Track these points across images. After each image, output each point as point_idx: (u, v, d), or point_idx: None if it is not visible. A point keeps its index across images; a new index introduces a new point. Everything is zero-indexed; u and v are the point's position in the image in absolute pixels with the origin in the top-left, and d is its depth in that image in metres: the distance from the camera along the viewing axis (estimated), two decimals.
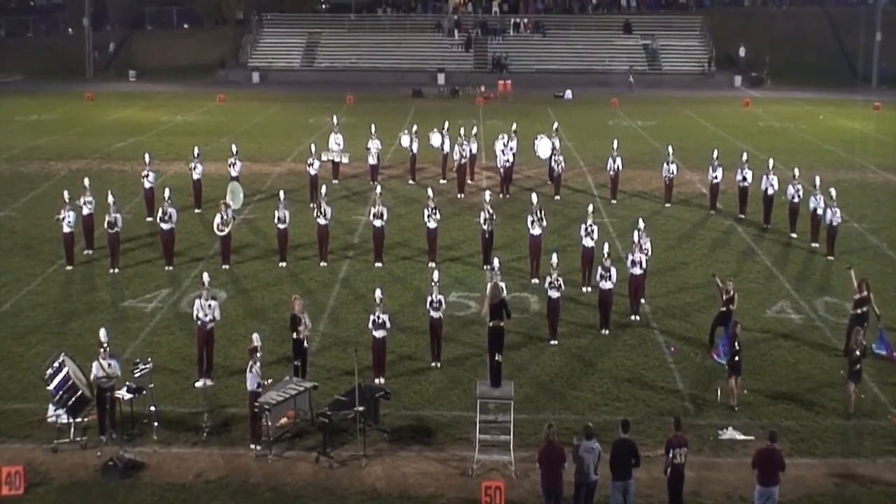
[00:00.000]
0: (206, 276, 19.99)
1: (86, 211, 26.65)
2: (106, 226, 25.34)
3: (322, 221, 25.89)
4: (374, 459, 16.22)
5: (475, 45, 70.11)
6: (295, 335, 18.62)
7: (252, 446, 16.52)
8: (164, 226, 25.76)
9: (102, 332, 17.28)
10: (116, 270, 25.39)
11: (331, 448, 16.29)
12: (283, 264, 25.93)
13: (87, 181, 27.98)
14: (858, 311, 20.42)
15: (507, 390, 17.07)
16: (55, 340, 20.72)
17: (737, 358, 18.12)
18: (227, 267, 25.71)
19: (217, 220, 25.47)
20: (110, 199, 25.78)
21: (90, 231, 26.86)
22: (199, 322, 19.01)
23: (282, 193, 27.04)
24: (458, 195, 33.21)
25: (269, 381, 17.03)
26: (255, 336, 17.42)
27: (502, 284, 18.66)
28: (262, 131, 46.58)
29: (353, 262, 26.43)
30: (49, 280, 24.92)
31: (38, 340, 20.96)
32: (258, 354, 16.95)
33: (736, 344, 18.21)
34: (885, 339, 20.36)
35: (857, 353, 17.94)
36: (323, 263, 25.96)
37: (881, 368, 19.85)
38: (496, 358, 17.48)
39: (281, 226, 25.95)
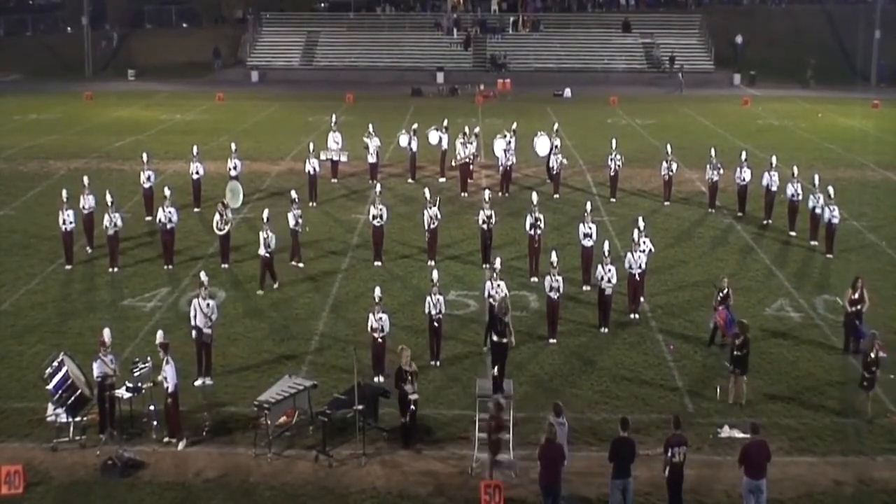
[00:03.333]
0: (203, 276, 20.00)
1: (86, 209, 26.72)
2: (105, 225, 25.33)
3: (262, 252, 23.88)
4: (373, 458, 16.22)
5: (474, 44, 70.09)
6: (399, 390, 16.53)
7: (169, 439, 16.52)
8: (165, 225, 25.73)
9: (107, 332, 17.28)
10: (116, 269, 25.39)
11: (330, 447, 16.29)
12: (301, 264, 25.83)
13: (86, 179, 28.03)
14: (853, 309, 20.42)
15: (507, 389, 17.06)
16: (54, 339, 20.71)
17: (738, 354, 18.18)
18: (226, 266, 25.71)
19: (216, 219, 25.47)
20: (109, 198, 25.78)
21: (90, 229, 26.88)
22: (194, 324, 18.97)
23: (294, 194, 26.95)
24: (462, 194, 33.20)
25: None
26: (160, 332, 17.38)
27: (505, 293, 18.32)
28: (262, 130, 46.58)
29: (353, 261, 26.43)
30: (48, 279, 24.92)
31: (38, 339, 20.96)
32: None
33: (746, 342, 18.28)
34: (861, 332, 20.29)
35: (871, 357, 17.80)
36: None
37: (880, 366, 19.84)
38: (494, 372, 17.34)
39: (292, 226, 25.81)
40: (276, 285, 24.01)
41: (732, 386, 18.26)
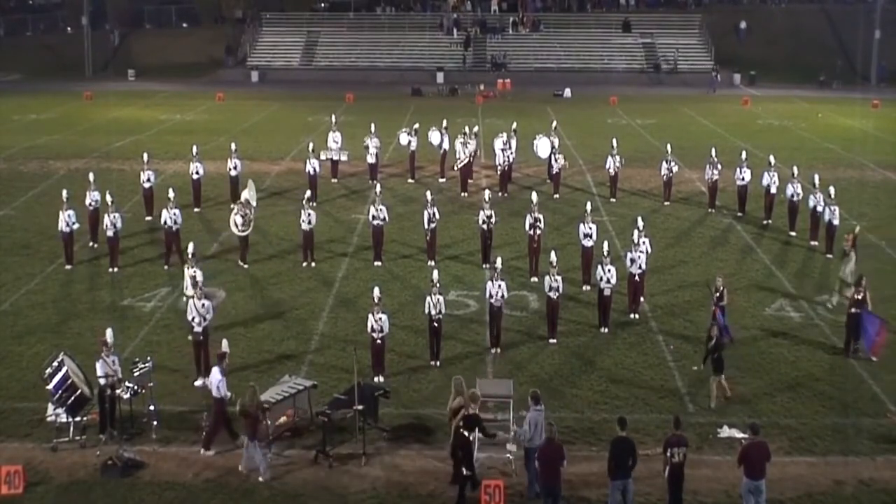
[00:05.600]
0: (199, 276, 20.01)
1: (91, 206, 26.93)
2: (105, 226, 25.34)
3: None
4: (373, 458, 16.22)
5: (474, 44, 70.11)
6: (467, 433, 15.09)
7: (202, 451, 16.39)
8: (171, 227, 25.60)
9: (109, 333, 17.29)
10: (116, 269, 25.39)
11: (330, 447, 16.28)
12: (312, 264, 25.81)
13: (91, 176, 28.13)
14: (853, 310, 20.41)
15: (507, 388, 17.06)
16: (54, 339, 20.71)
17: (717, 356, 18.12)
18: (245, 265, 25.68)
19: (238, 219, 25.45)
20: (109, 199, 25.81)
21: (95, 225, 27.01)
22: (191, 324, 19.00)
23: (308, 193, 27.19)
24: (462, 194, 33.21)
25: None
26: (224, 342, 17.44)
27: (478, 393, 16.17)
28: (261, 130, 46.57)
29: (353, 261, 26.43)
30: (48, 279, 24.91)
31: (38, 339, 20.95)
32: (226, 361, 16.95)
33: (714, 342, 18.18)
34: (869, 325, 20.24)
35: None
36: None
37: (880, 366, 19.87)
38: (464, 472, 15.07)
39: (306, 227, 25.80)
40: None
41: (716, 388, 18.18)
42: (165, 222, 25.69)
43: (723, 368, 18.20)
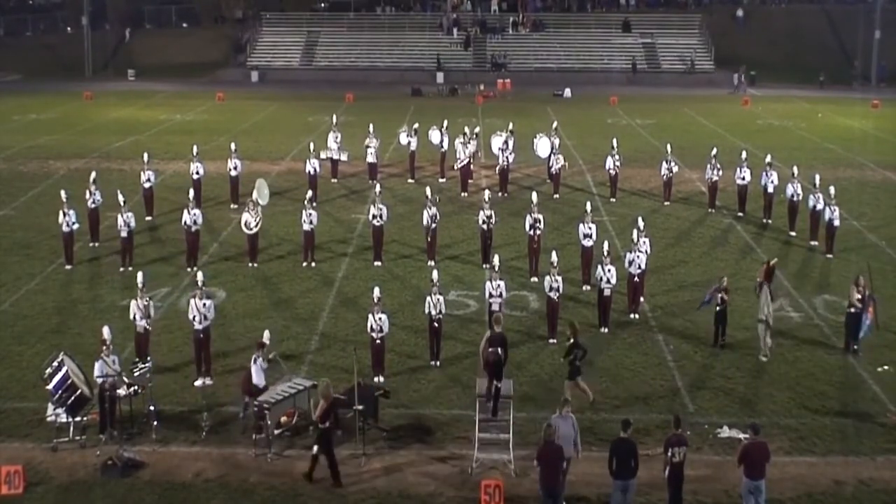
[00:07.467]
0: (200, 276, 20.03)
1: (92, 205, 26.96)
2: (119, 226, 25.25)
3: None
4: (373, 458, 16.22)
5: (474, 44, 70.14)
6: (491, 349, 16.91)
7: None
8: (190, 228, 25.60)
9: (106, 330, 17.30)
10: (131, 269, 25.16)
11: None
12: (313, 264, 25.81)
13: (93, 175, 28.14)
14: (852, 310, 20.41)
15: (507, 388, 17.06)
16: (54, 339, 20.70)
17: (577, 362, 17.86)
18: (255, 265, 25.68)
19: (245, 218, 25.49)
20: (121, 199, 25.75)
21: (96, 224, 27.05)
22: (193, 323, 19.02)
23: (309, 193, 27.32)
24: (462, 194, 33.21)
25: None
26: (266, 333, 17.97)
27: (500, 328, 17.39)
28: (262, 130, 46.58)
29: (352, 261, 26.43)
30: (48, 279, 24.91)
31: (38, 339, 20.95)
32: (264, 350, 17.55)
33: (576, 345, 17.92)
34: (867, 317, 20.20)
35: None
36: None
37: (880, 366, 19.87)
38: (495, 384, 16.66)
39: (307, 227, 25.86)
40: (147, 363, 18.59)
41: (570, 392, 17.79)
42: (185, 223, 25.64)
43: (578, 373, 17.95)
